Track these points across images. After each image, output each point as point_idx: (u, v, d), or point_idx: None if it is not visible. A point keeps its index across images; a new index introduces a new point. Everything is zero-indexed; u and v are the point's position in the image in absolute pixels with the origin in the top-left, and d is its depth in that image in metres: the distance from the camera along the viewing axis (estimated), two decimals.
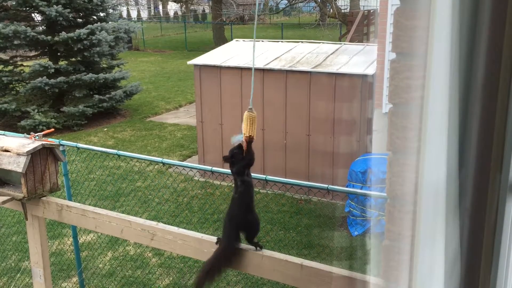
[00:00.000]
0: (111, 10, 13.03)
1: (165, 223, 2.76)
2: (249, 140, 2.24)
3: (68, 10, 11.25)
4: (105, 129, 11.40)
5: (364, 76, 6.94)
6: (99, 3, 11.97)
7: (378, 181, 5.93)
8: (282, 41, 9.38)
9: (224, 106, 8.07)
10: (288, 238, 6.24)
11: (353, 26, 15.51)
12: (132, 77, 15.24)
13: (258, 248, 2.31)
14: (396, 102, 1.14)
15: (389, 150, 1.17)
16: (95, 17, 12.55)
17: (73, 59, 12.07)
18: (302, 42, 8.90)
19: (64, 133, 10.91)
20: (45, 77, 11.03)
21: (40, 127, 10.50)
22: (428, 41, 1.03)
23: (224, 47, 9.21)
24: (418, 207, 1.12)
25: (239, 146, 2.26)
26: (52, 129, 3.97)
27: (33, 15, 12.33)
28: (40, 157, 2.95)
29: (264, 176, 3.66)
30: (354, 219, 6.36)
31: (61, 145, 4.20)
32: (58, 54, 12.03)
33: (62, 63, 12.07)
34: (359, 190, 5.35)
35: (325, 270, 2.18)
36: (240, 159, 2.25)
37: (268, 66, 7.57)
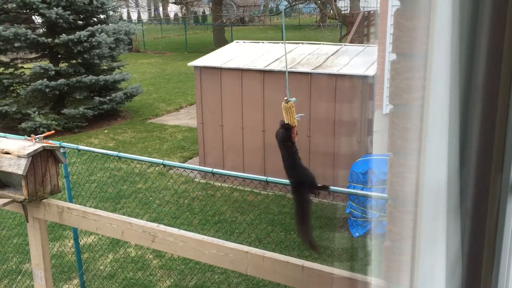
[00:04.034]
0: (111, 12, 13.03)
1: (166, 225, 2.76)
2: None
3: (68, 12, 11.26)
4: (106, 131, 11.41)
5: (365, 77, 6.94)
6: (99, 5, 11.97)
7: (379, 182, 5.92)
8: (282, 43, 9.38)
9: (225, 107, 8.07)
10: (289, 240, 6.23)
11: (353, 27, 15.51)
12: (133, 78, 15.26)
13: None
14: (397, 103, 1.14)
15: (390, 151, 1.17)
16: (95, 19, 12.55)
17: (74, 61, 12.06)
18: (302, 43, 8.90)
19: (64, 135, 10.91)
20: (45, 79, 11.04)
21: (41, 129, 10.50)
22: (429, 42, 1.03)
23: (224, 49, 9.21)
24: (419, 208, 1.12)
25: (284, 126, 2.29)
26: (53, 131, 3.96)
27: (33, 17, 12.35)
28: (41, 159, 2.96)
29: (265, 177, 3.66)
30: (355, 220, 6.36)
31: (62, 147, 4.20)
32: (59, 56, 12.04)
33: (63, 65, 12.08)
34: (360, 191, 5.34)
35: (326, 272, 2.18)
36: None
37: (268, 68, 7.57)
